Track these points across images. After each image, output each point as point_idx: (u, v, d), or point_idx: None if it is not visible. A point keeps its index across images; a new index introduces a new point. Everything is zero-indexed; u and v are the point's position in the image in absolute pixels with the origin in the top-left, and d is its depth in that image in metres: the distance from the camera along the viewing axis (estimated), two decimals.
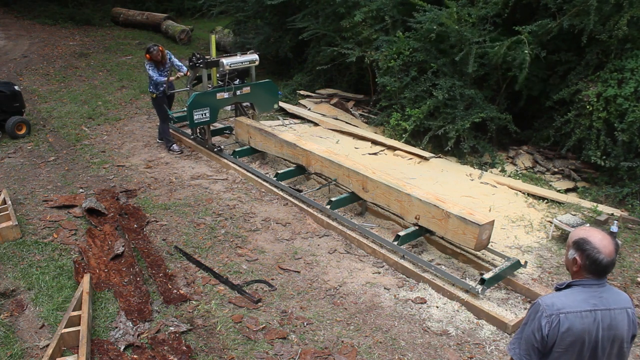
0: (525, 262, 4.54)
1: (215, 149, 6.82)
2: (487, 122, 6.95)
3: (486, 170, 6.78)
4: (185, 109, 6.51)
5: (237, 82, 6.76)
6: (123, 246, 4.65)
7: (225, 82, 6.61)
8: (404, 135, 7.32)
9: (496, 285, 4.37)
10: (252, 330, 3.77)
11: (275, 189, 5.94)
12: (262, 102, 7.05)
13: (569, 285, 2.05)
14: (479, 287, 4.11)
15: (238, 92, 6.69)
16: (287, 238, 5.06)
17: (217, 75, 6.74)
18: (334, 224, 5.23)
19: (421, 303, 4.17)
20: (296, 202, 5.67)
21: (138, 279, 4.24)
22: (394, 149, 7.24)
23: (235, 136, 7.13)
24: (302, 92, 9.29)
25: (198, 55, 6.53)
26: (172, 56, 7.02)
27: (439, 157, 7.11)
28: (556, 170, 6.75)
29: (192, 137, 7.19)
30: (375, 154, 7.17)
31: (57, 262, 4.48)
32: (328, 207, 5.30)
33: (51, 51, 11.86)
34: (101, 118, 8.21)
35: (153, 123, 8.07)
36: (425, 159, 6.93)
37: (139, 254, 4.66)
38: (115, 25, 15.06)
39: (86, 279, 4.05)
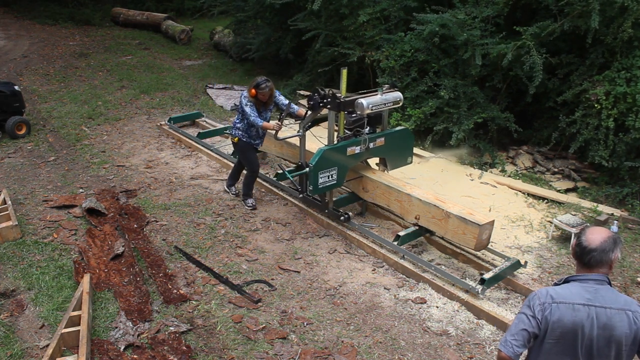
0: (525, 262, 4.54)
1: (342, 217, 5.09)
2: (489, 122, 6.95)
3: (486, 170, 6.77)
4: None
5: (367, 129, 5.00)
6: (123, 246, 4.65)
7: (361, 131, 4.96)
8: None
9: (496, 285, 4.37)
10: (252, 330, 3.77)
11: (275, 189, 5.94)
12: (395, 157, 5.34)
13: (566, 281, 2.10)
14: (479, 287, 4.11)
15: (372, 145, 5.03)
16: (287, 238, 5.06)
17: (344, 121, 5.02)
18: (334, 224, 5.22)
19: (421, 303, 4.17)
20: (296, 202, 5.67)
21: (138, 279, 4.24)
22: None
23: None
24: (302, 92, 9.28)
25: (323, 92, 4.73)
26: (278, 93, 5.46)
27: (439, 157, 7.11)
28: (556, 170, 6.75)
29: (300, 195, 5.42)
30: None
31: (57, 262, 4.48)
32: None
33: (51, 51, 11.86)
34: (101, 118, 8.21)
35: (153, 123, 8.07)
36: (426, 159, 6.92)
37: (139, 254, 4.66)
38: (115, 25, 15.05)
39: (86, 279, 4.05)
